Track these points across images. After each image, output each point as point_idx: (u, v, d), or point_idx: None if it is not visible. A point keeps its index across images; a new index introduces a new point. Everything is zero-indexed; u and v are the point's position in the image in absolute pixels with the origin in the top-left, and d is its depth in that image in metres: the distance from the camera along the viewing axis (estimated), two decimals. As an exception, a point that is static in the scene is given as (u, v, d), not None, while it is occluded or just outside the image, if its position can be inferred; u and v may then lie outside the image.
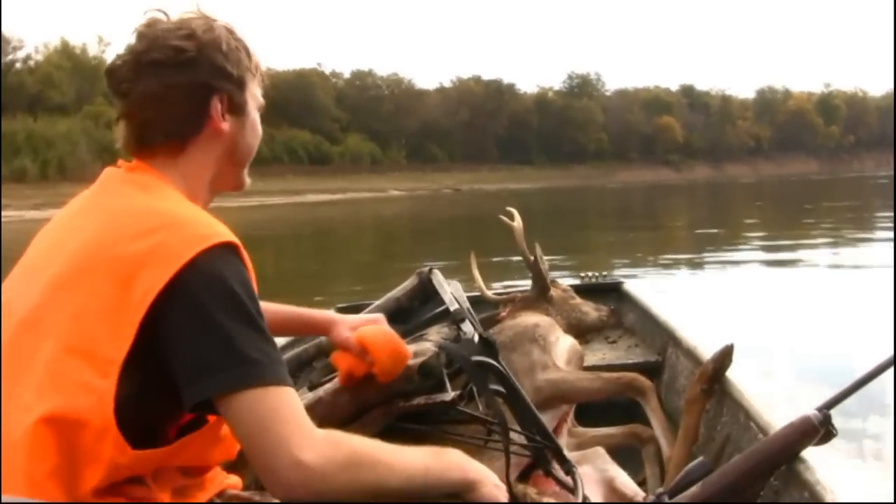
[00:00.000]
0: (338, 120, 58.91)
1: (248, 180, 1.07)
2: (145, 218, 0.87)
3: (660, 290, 6.23)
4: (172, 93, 0.95)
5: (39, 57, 49.43)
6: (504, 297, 2.37)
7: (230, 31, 1.00)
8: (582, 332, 2.17)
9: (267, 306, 1.20)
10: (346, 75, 67.20)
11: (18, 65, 47.86)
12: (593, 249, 11.30)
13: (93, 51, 51.46)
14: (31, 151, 38.76)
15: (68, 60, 48.77)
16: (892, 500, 2.16)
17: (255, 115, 1.03)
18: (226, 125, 0.98)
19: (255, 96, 1.03)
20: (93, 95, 46.10)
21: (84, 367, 0.80)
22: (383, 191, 46.58)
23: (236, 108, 0.99)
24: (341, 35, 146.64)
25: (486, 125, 64.90)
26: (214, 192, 1.03)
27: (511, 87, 71.28)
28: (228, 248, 0.87)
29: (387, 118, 62.02)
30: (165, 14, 0.98)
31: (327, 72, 65.51)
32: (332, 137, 56.45)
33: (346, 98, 62.25)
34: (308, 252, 11.84)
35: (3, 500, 0.73)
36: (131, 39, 0.98)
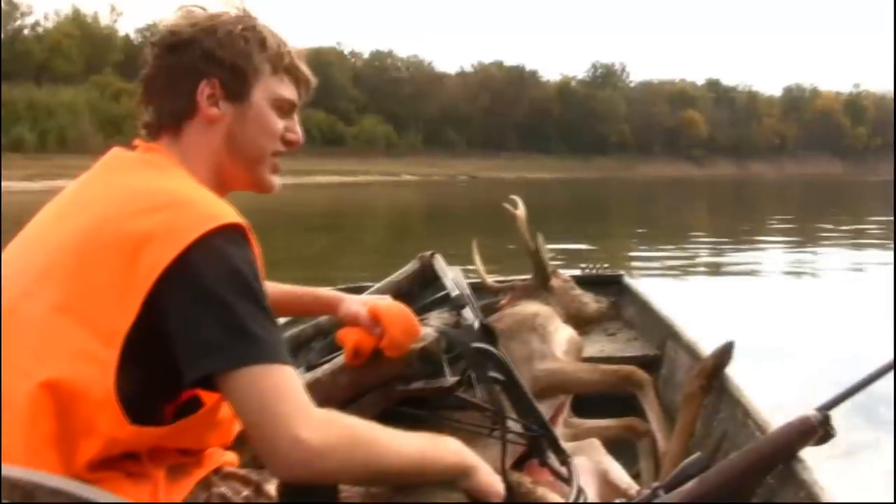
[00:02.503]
0: (354, 101, 57.75)
1: (274, 181, 1.05)
2: (155, 195, 0.88)
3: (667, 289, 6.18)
4: (162, 74, 0.98)
5: (49, 24, 48.48)
6: (504, 285, 2.37)
7: (240, 22, 0.99)
8: (581, 323, 2.17)
9: (274, 286, 1.22)
10: (366, 56, 66.68)
11: (26, 31, 46.66)
12: (608, 244, 11.18)
13: (104, 20, 50.83)
14: (31, 120, 37.47)
15: (78, 29, 47.72)
16: (892, 501, 2.15)
17: (262, 110, 1.00)
18: (216, 111, 0.98)
19: (268, 90, 1.01)
20: (102, 66, 45.16)
21: (87, 336, 0.81)
22: (397, 175, 45.60)
23: (233, 96, 0.99)
24: (362, 14, 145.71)
25: (506, 112, 64.00)
26: (225, 189, 1.02)
27: (533, 74, 70.47)
28: (237, 229, 0.88)
29: (405, 101, 60.81)
30: (203, 8, 1.00)
31: (346, 51, 64.94)
32: (346, 118, 55.17)
33: (363, 79, 61.07)
34: (316, 242, 11.72)
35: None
36: None
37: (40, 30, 47.78)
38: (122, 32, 52.35)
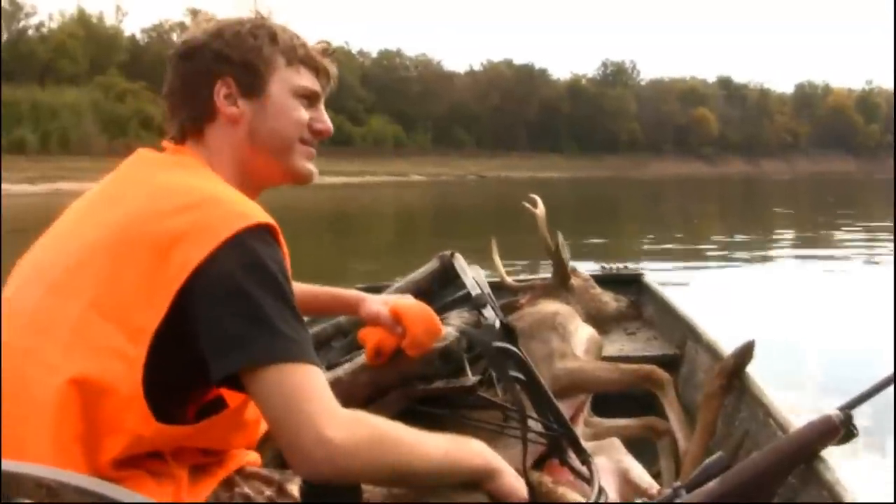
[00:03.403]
0: (362, 100, 57.17)
1: (310, 168, 1.06)
2: (186, 194, 0.88)
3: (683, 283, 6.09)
4: (179, 83, 1.01)
5: (53, 25, 48.35)
6: (524, 284, 2.36)
7: (248, 22, 1.01)
8: (601, 322, 2.15)
9: (295, 285, 1.22)
10: (374, 55, 66.37)
11: (30, 32, 46.57)
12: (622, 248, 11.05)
13: (109, 20, 50.90)
14: (34, 122, 37.00)
15: (83, 29, 47.61)
16: (892, 501, 2.12)
17: (282, 100, 1.01)
18: (235, 109, 0.99)
19: (285, 81, 1.01)
20: (107, 66, 45.02)
21: (116, 333, 0.82)
22: (405, 175, 45.29)
23: (249, 90, 1.00)
24: (370, 13, 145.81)
25: (516, 111, 63.70)
26: (257, 186, 1.03)
27: (543, 72, 70.24)
28: (266, 228, 0.88)
29: (414, 100, 60.33)
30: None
31: (354, 51, 64.65)
32: (354, 118, 54.51)
33: (371, 78, 60.61)
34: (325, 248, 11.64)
35: (5, 467, 0.71)
36: None
37: (44, 30, 47.74)
38: (127, 32, 52.53)
